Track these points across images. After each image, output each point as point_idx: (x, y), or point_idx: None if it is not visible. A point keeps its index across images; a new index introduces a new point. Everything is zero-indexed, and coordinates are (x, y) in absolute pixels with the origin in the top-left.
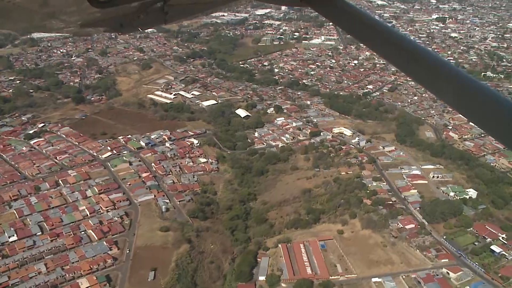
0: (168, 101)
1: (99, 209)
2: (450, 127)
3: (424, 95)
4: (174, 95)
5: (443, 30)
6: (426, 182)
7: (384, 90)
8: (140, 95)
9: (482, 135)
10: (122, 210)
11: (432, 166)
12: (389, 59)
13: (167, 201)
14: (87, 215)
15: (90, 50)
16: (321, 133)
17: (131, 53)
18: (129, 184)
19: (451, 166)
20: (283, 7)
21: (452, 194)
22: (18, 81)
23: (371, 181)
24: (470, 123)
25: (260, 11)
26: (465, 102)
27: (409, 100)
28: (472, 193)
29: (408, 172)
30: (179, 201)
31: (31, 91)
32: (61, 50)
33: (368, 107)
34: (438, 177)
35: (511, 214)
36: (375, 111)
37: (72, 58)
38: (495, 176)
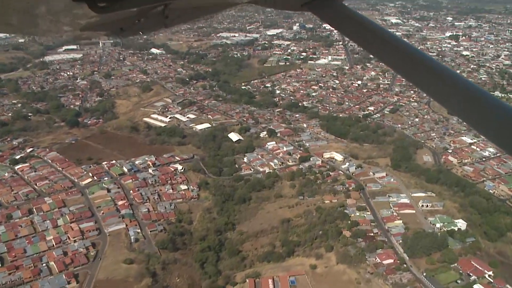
0: (163, 125)
1: (66, 239)
2: (450, 151)
3: (426, 116)
4: (169, 118)
5: (455, 48)
6: (414, 211)
7: (386, 112)
8: (136, 118)
9: (484, 159)
10: (89, 240)
11: (423, 194)
12: (388, 63)
13: (139, 230)
14: (53, 245)
15: (95, 72)
16: (311, 158)
17: (134, 75)
18: (102, 213)
19: (446, 193)
20: (294, 27)
21: (438, 225)
22: (19, 105)
23: (354, 211)
24: (472, 147)
25: (272, 31)
26: (462, 105)
27: (409, 122)
28: (461, 224)
29: (396, 201)
30: (150, 231)
31: (29, 114)
32: (68, 73)
33: (366, 129)
34: (427, 206)
35: (504, 247)
36: (373, 134)
37: (77, 81)
38: (492, 204)
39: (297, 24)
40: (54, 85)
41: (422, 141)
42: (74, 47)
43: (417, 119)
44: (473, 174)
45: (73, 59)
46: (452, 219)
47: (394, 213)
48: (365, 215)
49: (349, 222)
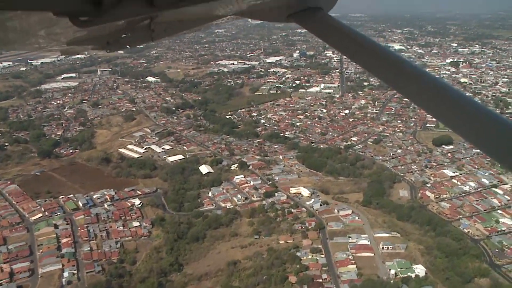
0: (137, 156)
1: None
2: (429, 185)
3: (409, 147)
4: (145, 149)
5: (454, 75)
6: (373, 254)
7: (369, 142)
8: (112, 149)
9: (463, 194)
10: (16, 283)
11: (386, 235)
12: (372, 71)
13: (75, 271)
14: None
15: (84, 101)
16: (276, 194)
17: (121, 104)
18: (41, 252)
19: (416, 232)
20: (294, 54)
21: (393, 272)
22: (0, 134)
23: (307, 253)
24: (453, 180)
25: (272, 59)
26: (444, 109)
27: (391, 154)
28: (419, 270)
29: (355, 242)
30: (87, 272)
31: (6, 144)
32: (58, 102)
33: (344, 162)
34: (388, 248)
35: None
36: (351, 167)
37: (65, 110)
38: (462, 246)
39: (297, 51)
40: (41, 114)
41: (402, 174)
42: (73, 75)
43: (399, 151)
44: (448, 211)
45: (68, 87)
46: (411, 264)
47: (350, 256)
48: (317, 258)
49: (298, 266)
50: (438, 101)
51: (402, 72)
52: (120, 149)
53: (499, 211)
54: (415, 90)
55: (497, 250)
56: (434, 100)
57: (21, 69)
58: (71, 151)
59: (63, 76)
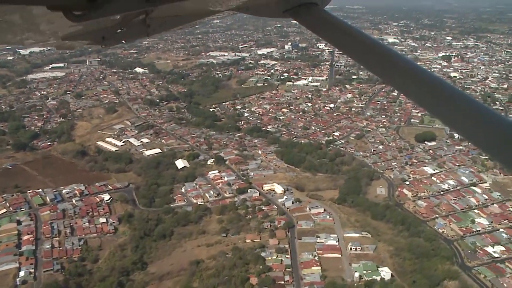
0: (114, 149)
1: None
2: (408, 183)
3: (391, 143)
4: (123, 142)
5: (445, 69)
6: (340, 255)
7: (351, 138)
8: (90, 141)
9: (441, 192)
10: None
11: (356, 235)
12: (367, 65)
13: (32, 270)
14: None
15: (68, 92)
16: (249, 190)
17: (105, 95)
18: None
19: (389, 232)
20: (286, 46)
21: (358, 274)
22: None
23: (272, 253)
24: (432, 178)
25: (263, 50)
26: (438, 105)
27: (372, 150)
28: (385, 273)
29: (324, 242)
30: (44, 271)
31: None
32: (42, 92)
33: (324, 157)
34: (356, 249)
35: None
36: (329, 163)
37: (48, 101)
38: (435, 247)
39: (289, 43)
40: (23, 105)
41: (381, 171)
42: (61, 65)
43: (381, 146)
44: (424, 210)
45: (54, 77)
46: (377, 267)
47: (316, 258)
48: (282, 259)
49: (261, 266)
50: (430, 95)
51: (396, 66)
52: (98, 142)
53: (475, 211)
54: (408, 84)
55: (469, 251)
56: (426, 93)
57: (9, 58)
58: (49, 143)
59: (51, 66)
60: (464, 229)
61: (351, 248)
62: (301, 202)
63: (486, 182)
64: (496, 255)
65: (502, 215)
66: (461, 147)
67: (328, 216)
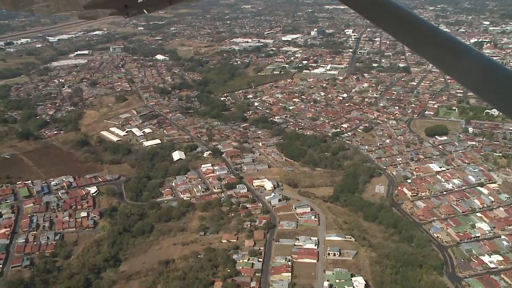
0: (116, 139)
1: None
2: (409, 181)
3: (399, 137)
4: (126, 132)
5: None
6: (315, 261)
7: (359, 130)
8: (94, 131)
9: (444, 192)
10: None
11: (339, 238)
12: (405, 41)
13: (0, 266)
14: None
15: (84, 80)
16: (238, 186)
17: (119, 83)
18: None
19: (379, 235)
20: (312, 32)
21: (327, 284)
22: None
23: (245, 256)
24: (437, 176)
25: (288, 37)
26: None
27: (378, 144)
28: (358, 283)
29: (302, 246)
30: (13, 267)
31: None
32: (61, 80)
33: (326, 151)
34: (335, 254)
35: None
36: (331, 157)
37: (64, 89)
38: (425, 254)
39: (315, 29)
40: (40, 93)
41: (384, 167)
42: (86, 52)
43: (388, 140)
44: (421, 212)
45: (76, 65)
46: (351, 275)
47: (289, 262)
48: (254, 263)
49: (229, 270)
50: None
51: (433, 40)
52: (102, 132)
53: (478, 214)
54: (454, 65)
55: (463, 260)
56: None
57: (37, 46)
58: (55, 132)
59: (76, 53)
60: (461, 234)
61: (329, 253)
62: (288, 200)
63: (495, 182)
64: (492, 265)
65: (507, 220)
66: (474, 143)
67: (313, 217)
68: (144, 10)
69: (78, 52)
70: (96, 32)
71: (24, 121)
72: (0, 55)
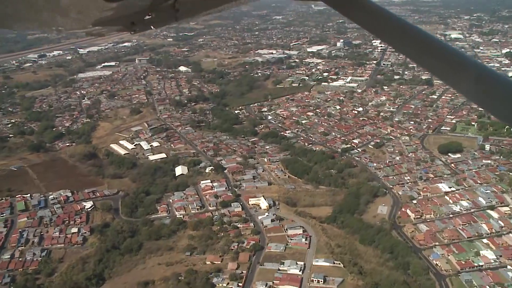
0: (124, 152)
1: None
2: (415, 202)
3: (410, 154)
4: (134, 145)
5: (503, 68)
6: None
7: (370, 146)
8: (104, 143)
9: (451, 215)
10: None
11: (327, 264)
12: (404, 52)
13: None
14: None
15: (104, 92)
16: (232, 204)
17: (137, 95)
18: None
19: (373, 261)
20: (338, 43)
21: None
22: (10, 125)
23: (225, 280)
24: (445, 197)
25: (314, 48)
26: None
27: (387, 161)
28: None
29: (286, 270)
30: None
31: (10, 136)
32: (82, 92)
33: (332, 168)
34: (318, 281)
35: None
36: (336, 174)
37: (83, 100)
38: (418, 284)
39: (341, 40)
40: (61, 104)
41: (391, 186)
42: (113, 63)
43: (399, 157)
44: (423, 237)
45: (100, 76)
46: None
47: None
48: (233, 287)
49: None
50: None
51: (434, 52)
52: (111, 144)
53: (484, 240)
54: (455, 75)
55: None
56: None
57: (68, 57)
58: (67, 144)
59: (103, 64)
60: (463, 262)
61: (312, 280)
62: (282, 221)
63: (507, 206)
64: None
65: None
66: (489, 161)
67: (303, 239)
68: (152, 27)
69: (105, 64)
70: (125, 44)
71: (40, 133)
72: (32, 67)
